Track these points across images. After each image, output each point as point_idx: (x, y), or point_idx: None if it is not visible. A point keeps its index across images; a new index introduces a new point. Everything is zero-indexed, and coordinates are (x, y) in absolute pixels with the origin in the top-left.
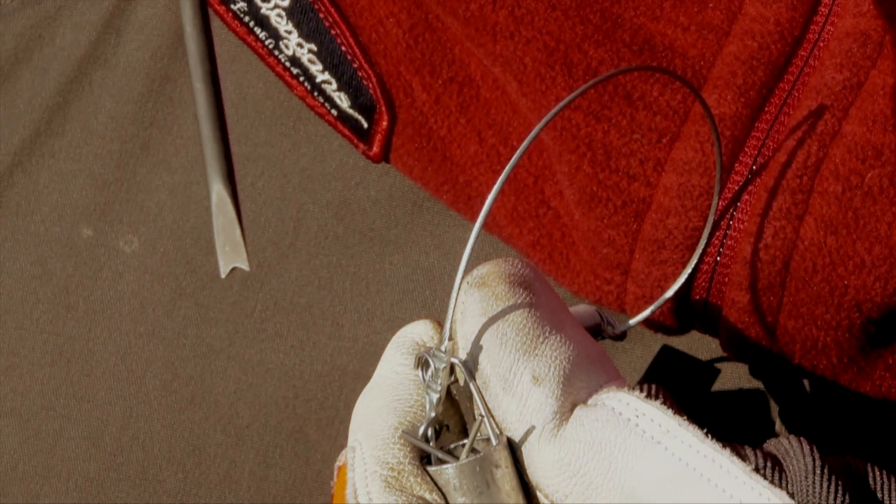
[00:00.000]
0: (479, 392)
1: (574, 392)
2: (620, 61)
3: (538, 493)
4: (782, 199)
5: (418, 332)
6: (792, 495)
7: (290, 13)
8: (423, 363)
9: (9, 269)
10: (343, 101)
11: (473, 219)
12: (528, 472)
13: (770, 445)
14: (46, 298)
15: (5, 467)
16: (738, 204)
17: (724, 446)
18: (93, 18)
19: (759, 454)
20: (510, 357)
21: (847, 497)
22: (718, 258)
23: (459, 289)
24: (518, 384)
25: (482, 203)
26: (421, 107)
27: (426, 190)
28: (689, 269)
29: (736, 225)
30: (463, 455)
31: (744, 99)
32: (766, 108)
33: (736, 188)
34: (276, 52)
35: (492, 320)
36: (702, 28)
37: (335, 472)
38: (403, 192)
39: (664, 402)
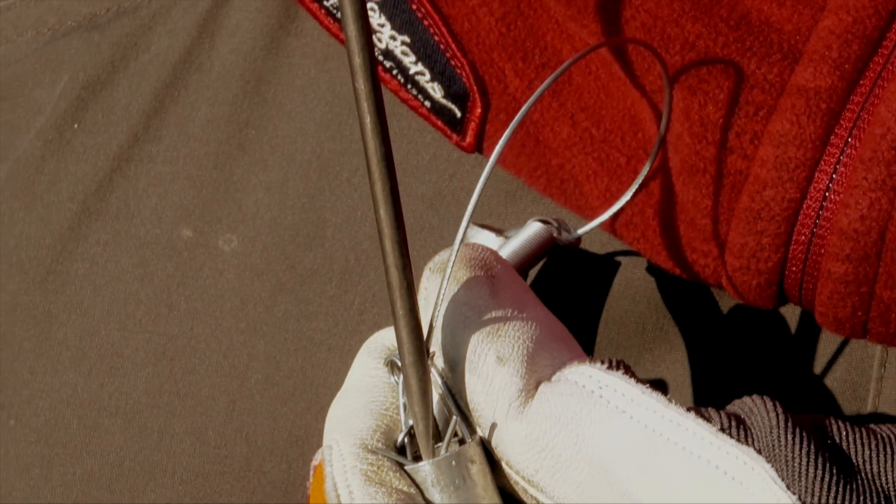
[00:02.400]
0: (451, 391)
1: (538, 370)
2: (718, 36)
3: (508, 471)
4: (877, 171)
5: (390, 338)
6: (758, 451)
7: (383, 6)
8: (394, 367)
9: (111, 272)
10: (436, 91)
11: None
12: (496, 451)
13: (734, 406)
14: (148, 299)
15: (111, 464)
16: (835, 176)
17: (689, 410)
18: (187, 25)
19: (722, 415)
20: (475, 339)
21: (812, 447)
22: (815, 230)
23: (448, 275)
24: (483, 364)
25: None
26: (514, 93)
27: (519, 177)
28: (643, 174)
29: (832, 197)
30: (442, 451)
31: (839, 72)
32: (861, 82)
33: (832, 161)
34: None
35: (454, 304)
36: (797, 3)
37: (311, 473)
38: (496, 182)
39: (626, 373)
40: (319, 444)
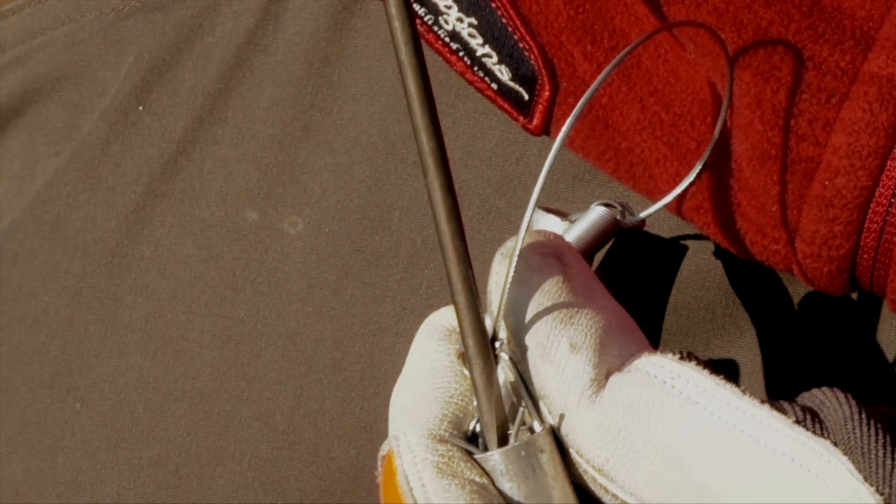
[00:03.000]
0: (523, 379)
1: (608, 360)
2: (790, 22)
3: (578, 460)
4: None
5: (449, 317)
6: (834, 443)
7: None
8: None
9: (176, 255)
10: (504, 73)
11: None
12: (566, 439)
13: (804, 399)
14: (214, 282)
15: (178, 449)
16: None
17: (763, 402)
18: (251, 6)
19: (796, 407)
20: (547, 326)
21: (887, 438)
22: (887, 217)
23: (514, 257)
24: (556, 352)
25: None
26: (583, 76)
27: (587, 160)
28: (705, 157)
29: None
30: (511, 440)
31: None
32: None
33: None
34: (436, 28)
35: (527, 290)
36: None
37: (379, 463)
38: (563, 165)
39: (698, 364)
40: (388, 430)
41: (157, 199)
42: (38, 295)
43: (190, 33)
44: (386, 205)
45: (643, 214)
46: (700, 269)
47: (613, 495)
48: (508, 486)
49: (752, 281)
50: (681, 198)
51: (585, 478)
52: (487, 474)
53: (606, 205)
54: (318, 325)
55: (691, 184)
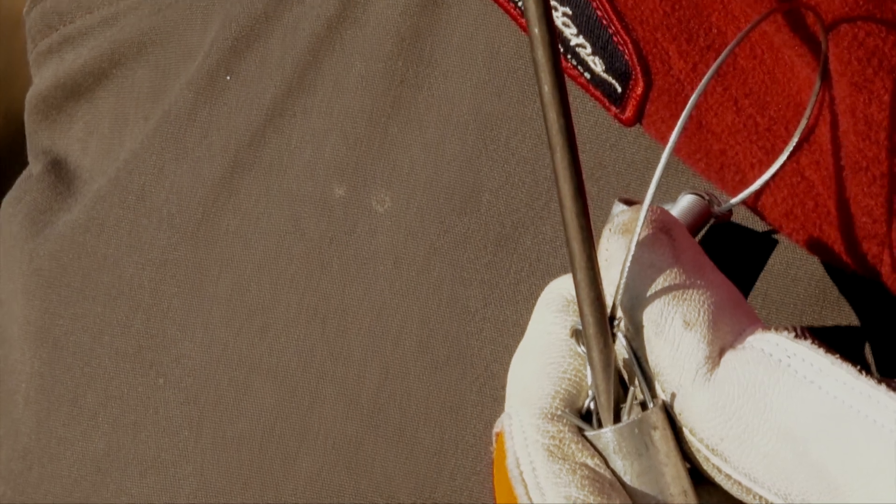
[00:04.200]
0: (637, 356)
1: (722, 336)
2: (888, 35)
3: (691, 439)
4: None
5: (567, 286)
6: None
7: None
8: (578, 335)
9: (263, 227)
10: (597, 65)
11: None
12: (680, 418)
13: None
14: (300, 256)
15: (263, 427)
16: None
17: (880, 382)
18: None
19: None
20: (660, 302)
21: None
22: None
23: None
24: (669, 329)
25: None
26: (677, 74)
27: (677, 155)
28: (790, 147)
29: None
30: (623, 417)
31: None
32: None
33: None
34: None
35: (639, 265)
36: None
37: (493, 439)
38: (658, 154)
39: (813, 343)
40: (474, 414)
41: (244, 170)
42: (123, 266)
43: (278, 3)
44: (476, 185)
45: (734, 201)
46: (791, 265)
47: (727, 476)
48: (621, 465)
49: (845, 283)
50: (768, 203)
51: (698, 457)
52: (600, 454)
53: (695, 194)
54: (405, 304)
55: (778, 187)
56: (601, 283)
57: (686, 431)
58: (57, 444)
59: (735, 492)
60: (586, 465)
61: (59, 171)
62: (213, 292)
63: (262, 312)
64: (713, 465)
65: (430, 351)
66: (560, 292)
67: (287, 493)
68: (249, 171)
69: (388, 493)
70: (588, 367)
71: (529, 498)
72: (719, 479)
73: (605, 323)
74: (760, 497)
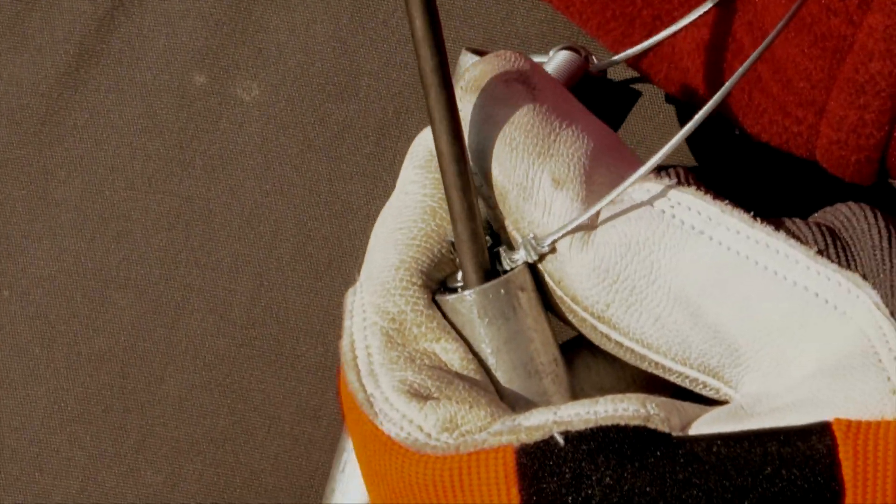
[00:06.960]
0: (499, 219)
1: (597, 189)
2: None
3: (575, 307)
4: None
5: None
6: (864, 276)
7: None
8: None
9: (114, 123)
10: None
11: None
12: (561, 285)
13: (826, 215)
14: (158, 154)
15: (123, 345)
16: None
17: (778, 228)
18: None
19: (815, 230)
20: (524, 162)
21: None
22: None
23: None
24: (538, 190)
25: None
26: None
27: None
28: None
29: None
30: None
31: None
32: None
33: None
34: None
35: (494, 124)
36: None
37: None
38: (533, 9)
39: (699, 189)
40: None
41: (91, 61)
42: None
43: None
44: (353, 69)
45: (617, 58)
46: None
47: (617, 343)
48: (485, 332)
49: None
50: (692, 68)
51: (583, 327)
52: (457, 328)
53: (571, 49)
54: (279, 205)
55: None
56: (463, 137)
57: (569, 300)
58: None
59: (629, 359)
60: (427, 353)
61: None
62: (61, 196)
63: (117, 218)
64: (601, 333)
65: (309, 256)
66: (426, 145)
67: (153, 416)
68: (98, 62)
69: (269, 415)
70: (451, 228)
71: (362, 385)
72: (609, 347)
73: (467, 176)
74: (656, 363)
